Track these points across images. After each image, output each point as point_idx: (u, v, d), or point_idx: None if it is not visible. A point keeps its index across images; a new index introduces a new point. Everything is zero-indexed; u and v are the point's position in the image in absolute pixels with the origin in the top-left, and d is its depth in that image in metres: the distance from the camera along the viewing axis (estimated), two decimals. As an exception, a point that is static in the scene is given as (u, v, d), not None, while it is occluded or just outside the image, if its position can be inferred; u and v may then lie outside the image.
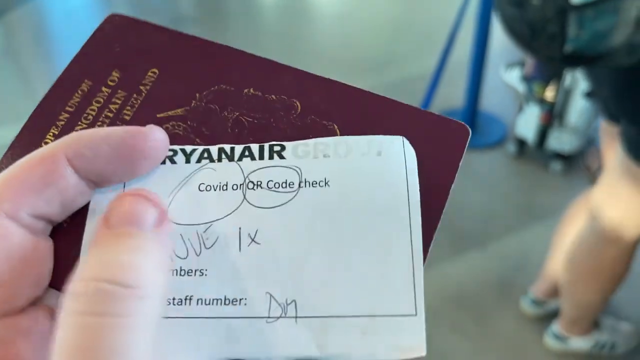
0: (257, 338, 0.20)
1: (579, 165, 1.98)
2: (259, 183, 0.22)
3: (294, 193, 0.21)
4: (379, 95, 0.23)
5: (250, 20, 3.32)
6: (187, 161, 0.22)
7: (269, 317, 0.20)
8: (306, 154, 0.22)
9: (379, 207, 0.21)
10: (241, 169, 0.22)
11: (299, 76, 0.24)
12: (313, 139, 0.22)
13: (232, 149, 0.22)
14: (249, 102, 0.23)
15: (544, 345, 1.37)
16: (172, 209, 0.21)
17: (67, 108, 0.24)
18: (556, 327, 1.35)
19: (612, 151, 1.12)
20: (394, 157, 0.22)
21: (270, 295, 0.20)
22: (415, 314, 0.20)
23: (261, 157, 0.22)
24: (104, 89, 0.24)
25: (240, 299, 0.20)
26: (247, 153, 0.22)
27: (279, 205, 0.21)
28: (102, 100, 0.24)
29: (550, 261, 1.40)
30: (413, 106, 0.23)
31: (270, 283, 0.20)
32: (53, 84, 0.24)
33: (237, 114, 0.23)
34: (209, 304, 0.20)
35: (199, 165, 0.22)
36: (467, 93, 2.14)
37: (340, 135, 0.23)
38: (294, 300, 0.20)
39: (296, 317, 0.20)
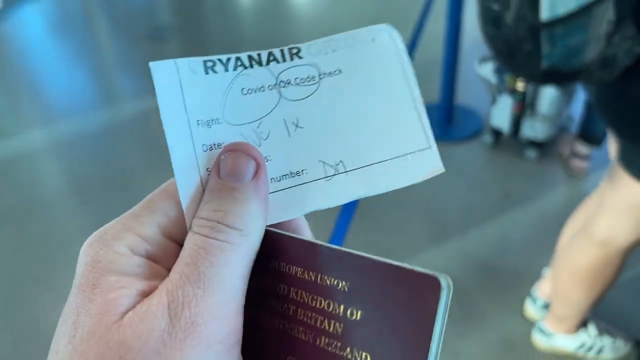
0: (322, 193, 0.26)
1: (553, 152, 2.06)
2: (288, 81, 0.27)
3: (317, 84, 0.27)
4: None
5: (228, 25, 3.37)
6: (226, 69, 0.26)
7: (326, 177, 0.26)
8: (318, 52, 0.27)
9: (383, 77, 0.27)
10: (271, 72, 0.27)
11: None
12: (321, 39, 0.27)
13: (259, 55, 0.27)
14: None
15: (525, 321, 1.44)
16: (227, 113, 0.26)
17: None
18: (543, 322, 1.37)
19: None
20: (384, 39, 0.27)
21: (323, 162, 0.26)
22: (430, 147, 0.26)
23: (284, 60, 0.27)
24: None
25: (302, 170, 0.26)
26: (272, 58, 0.27)
27: (309, 96, 0.27)
28: None
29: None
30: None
31: (320, 154, 0.26)
32: None
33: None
34: (281, 180, 0.26)
35: (235, 72, 0.26)
36: (442, 88, 2.21)
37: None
38: (341, 161, 0.26)
39: (346, 171, 0.26)
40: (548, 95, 1.88)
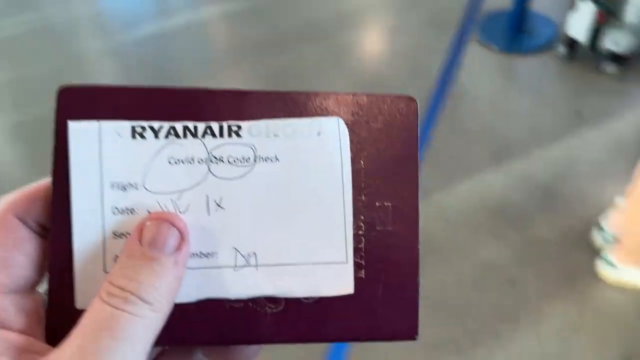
0: (226, 282, 0.26)
1: (636, 68, 1.86)
2: (220, 158, 0.26)
3: (250, 167, 0.26)
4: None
5: None
6: (156, 137, 0.26)
7: (235, 266, 0.26)
8: (259, 134, 0.26)
9: (319, 178, 0.26)
10: (204, 145, 0.26)
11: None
12: (264, 120, 0.26)
13: (195, 127, 0.26)
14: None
15: (589, 250, 1.35)
16: (147, 180, 0.25)
17: None
18: (610, 254, 1.29)
19: None
20: (331, 135, 0.27)
21: (236, 250, 0.26)
22: (346, 262, 0.26)
23: (221, 135, 0.26)
24: None
25: (213, 253, 0.26)
26: (208, 131, 0.26)
27: (238, 177, 0.26)
28: None
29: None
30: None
31: (235, 240, 0.26)
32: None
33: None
34: (190, 258, 0.25)
35: (166, 141, 0.26)
36: (515, -8, 2.01)
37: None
38: (255, 253, 0.26)
39: (257, 265, 0.26)
40: (637, 1, 1.67)
